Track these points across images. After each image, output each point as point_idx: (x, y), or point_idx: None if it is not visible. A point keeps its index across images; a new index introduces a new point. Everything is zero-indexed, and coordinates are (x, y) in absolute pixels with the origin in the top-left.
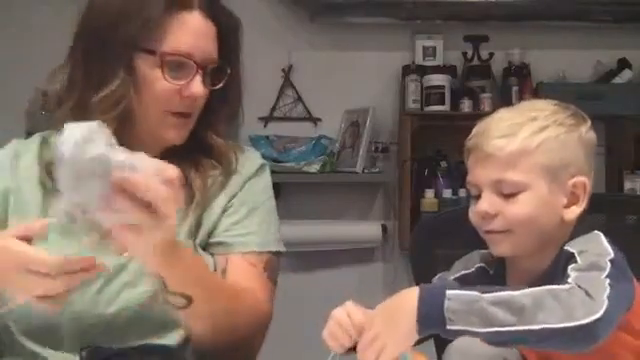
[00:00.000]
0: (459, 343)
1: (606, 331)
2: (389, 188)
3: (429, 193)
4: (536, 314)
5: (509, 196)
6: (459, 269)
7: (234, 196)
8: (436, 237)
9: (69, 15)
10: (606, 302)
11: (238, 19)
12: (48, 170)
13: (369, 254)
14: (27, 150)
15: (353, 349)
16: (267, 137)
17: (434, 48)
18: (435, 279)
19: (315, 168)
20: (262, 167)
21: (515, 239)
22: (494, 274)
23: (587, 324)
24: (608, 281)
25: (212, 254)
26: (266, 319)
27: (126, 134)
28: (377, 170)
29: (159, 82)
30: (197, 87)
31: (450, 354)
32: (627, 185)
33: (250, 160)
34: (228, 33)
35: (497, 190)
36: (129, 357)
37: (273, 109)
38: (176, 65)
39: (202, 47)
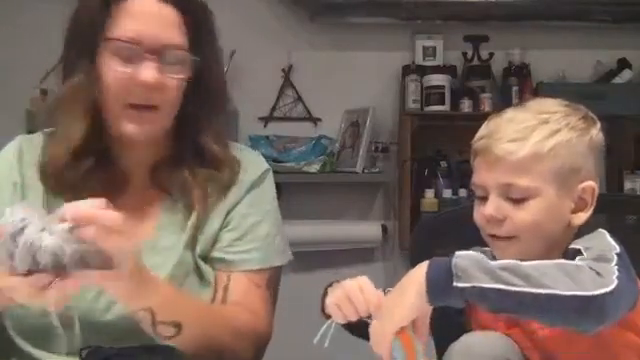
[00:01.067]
0: (461, 344)
1: (614, 310)
2: (389, 188)
3: (429, 193)
4: (542, 281)
5: (517, 201)
6: None
7: (236, 204)
8: (436, 237)
9: (69, 14)
10: (616, 281)
11: (207, 7)
12: (46, 170)
13: (369, 254)
14: (32, 147)
15: (355, 325)
16: (267, 137)
17: (434, 48)
18: None
19: (315, 168)
20: (265, 173)
21: (520, 245)
22: None
23: (596, 296)
24: (617, 268)
25: (213, 268)
26: (265, 340)
27: (103, 135)
28: (377, 170)
29: (110, 70)
30: (146, 73)
31: (451, 355)
32: (627, 185)
33: (253, 164)
34: (198, 22)
35: (505, 194)
36: (129, 357)
37: (273, 109)
38: (126, 52)
39: (153, 32)
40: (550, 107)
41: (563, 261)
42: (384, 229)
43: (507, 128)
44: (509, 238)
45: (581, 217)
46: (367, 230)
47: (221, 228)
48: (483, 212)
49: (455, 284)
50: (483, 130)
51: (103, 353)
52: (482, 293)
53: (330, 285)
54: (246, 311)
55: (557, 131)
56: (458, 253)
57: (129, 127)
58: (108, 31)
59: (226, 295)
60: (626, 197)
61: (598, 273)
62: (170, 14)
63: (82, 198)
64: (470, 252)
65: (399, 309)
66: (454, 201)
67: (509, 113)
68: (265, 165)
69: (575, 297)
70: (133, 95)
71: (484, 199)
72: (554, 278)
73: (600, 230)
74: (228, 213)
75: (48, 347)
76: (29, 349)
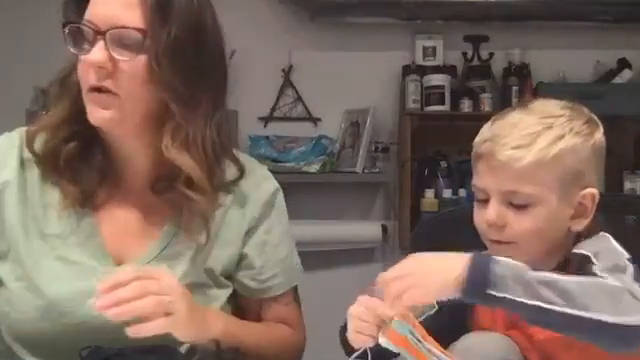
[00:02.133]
0: (461, 344)
1: None
2: (389, 188)
3: (429, 193)
4: (583, 301)
5: (519, 207)
6: None
7: (253, 224)
8: (436, 237)
9: None
10: None
11: None
12: (44, 160)
13: (369, 254)
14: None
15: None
16: (267, 137)
17: (434, 48)
18: None
19: (315, 168)
20: (277, 190)
21: (520, 250)
22: None
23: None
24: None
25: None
26: (302, 350)
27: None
28: (377, 170)
29: (72, 55)
30: (92, 53)
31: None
32: (627, 185)
33: (266, 180)
34: (156, 3)
35: (506, 200)
36: (129, 357)
37: (273, 109)
38: (82, 35)
39: (104, 13)
40: (554, 110)
41: (602, 281)
42: (384, 229)
43: (511, 133)
44: (508, 243)
45: (581, 223)
46: (367, 230)
47: (242, 255)
48: (484, 217)
49: (489, 291)
50: (486, 133)
51: (103, 353)
52: (516, 305)
53: (344, 327)
54: (285, 327)
55: (561, 137)
56: (497, 258)
57: (91, 110)
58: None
59: (260, 319)
60: (626, 197)
61: (633, 295)
62: None
63: (81, 184)
64: (509, 260)
65: (421, 289)
66: (454, 201)
67: (513, 116)
68: (274, 184)
69: (618, 326)
70: (88, 78)
71: (485, 202)
72: (596, 300)
73: (602, 233)
74: (247, 233)
75: (44, 354)
76: (25, 356)
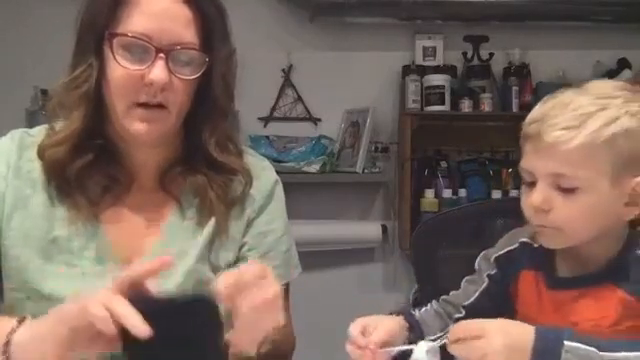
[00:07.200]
0: None
1: None
2: (389, 188)
3: (429, 193)
4: None
5: (566, 191)
6: (503, 246)
7: (254, 217)
8: (436, 237)
9: (69, 14)
10: None
11: (223, 7)
12: (53, 170)
13: (369, 254)
14: (33, 142)
15: None
16: (267, 137)
17: (434, 48)
18: (480, 257)
19: (315, 168)
20: (276, 183)
21: (565, 237)
22: (539, 248)
23: None
24: None
25: None
26: (294, 346)
27: (109, 133)
28: (377, 170)
29: (117, 68)
30: (156, 72)
31: None
32: None
33: (266, 171)
34: (211, 22)
35: (554, 183)
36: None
37: (273, 109)
38: (135, 49)
39: (164, 30)
40: (611, 91)
41: None
42: (384, 229)
43: (562, 113)
44: (555, 228)
45: (634, 211)
46: (367, 230)
47: (242, 245)
48: (530, 201)
49: None
50: (535, 113)
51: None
52: None
53: None
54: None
55: (616, 119)
56: (567, 345)
57: (137, 126)
58: (117, 27)
59: None
60: None
61: None
62: (182, 11)
63: (87, 193)
64: (578, 345)
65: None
66: (454, 201)
67: (566, 95)
68: (275, 174)
69: None
70: (141, 94)
71: (532, 185)
72: None
73: None
74: (247, 224)
75: None
76: None
